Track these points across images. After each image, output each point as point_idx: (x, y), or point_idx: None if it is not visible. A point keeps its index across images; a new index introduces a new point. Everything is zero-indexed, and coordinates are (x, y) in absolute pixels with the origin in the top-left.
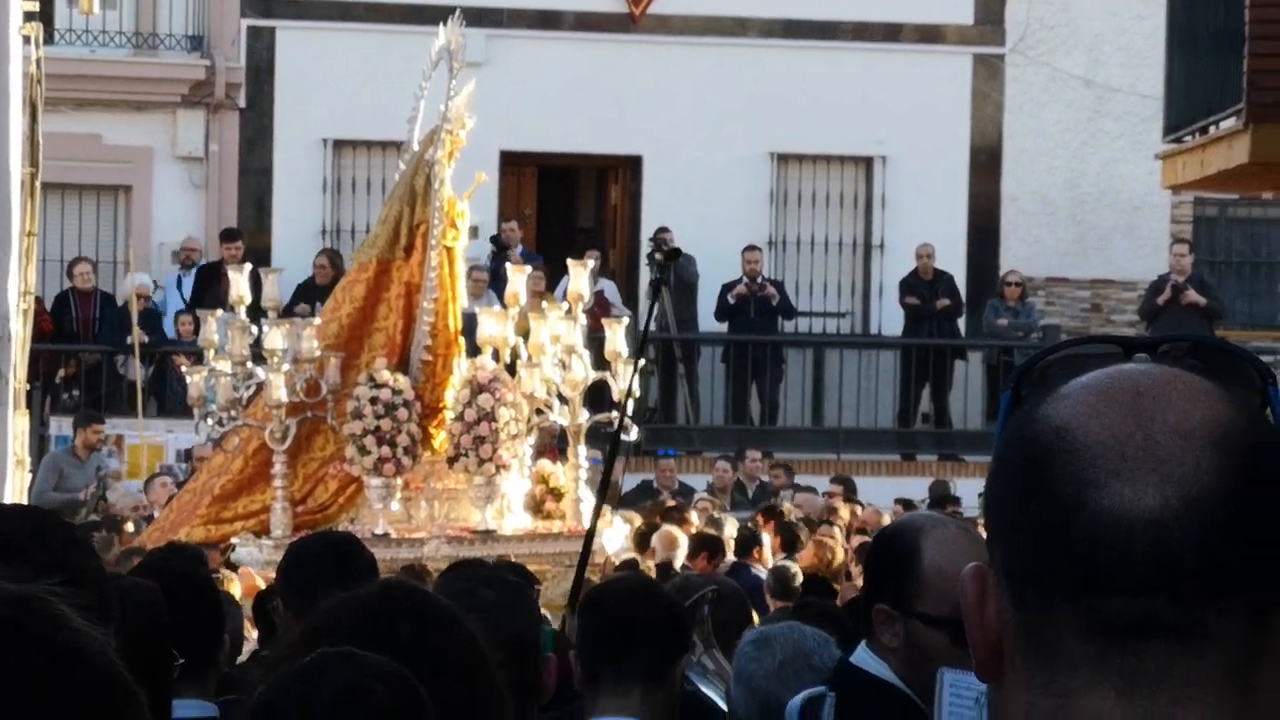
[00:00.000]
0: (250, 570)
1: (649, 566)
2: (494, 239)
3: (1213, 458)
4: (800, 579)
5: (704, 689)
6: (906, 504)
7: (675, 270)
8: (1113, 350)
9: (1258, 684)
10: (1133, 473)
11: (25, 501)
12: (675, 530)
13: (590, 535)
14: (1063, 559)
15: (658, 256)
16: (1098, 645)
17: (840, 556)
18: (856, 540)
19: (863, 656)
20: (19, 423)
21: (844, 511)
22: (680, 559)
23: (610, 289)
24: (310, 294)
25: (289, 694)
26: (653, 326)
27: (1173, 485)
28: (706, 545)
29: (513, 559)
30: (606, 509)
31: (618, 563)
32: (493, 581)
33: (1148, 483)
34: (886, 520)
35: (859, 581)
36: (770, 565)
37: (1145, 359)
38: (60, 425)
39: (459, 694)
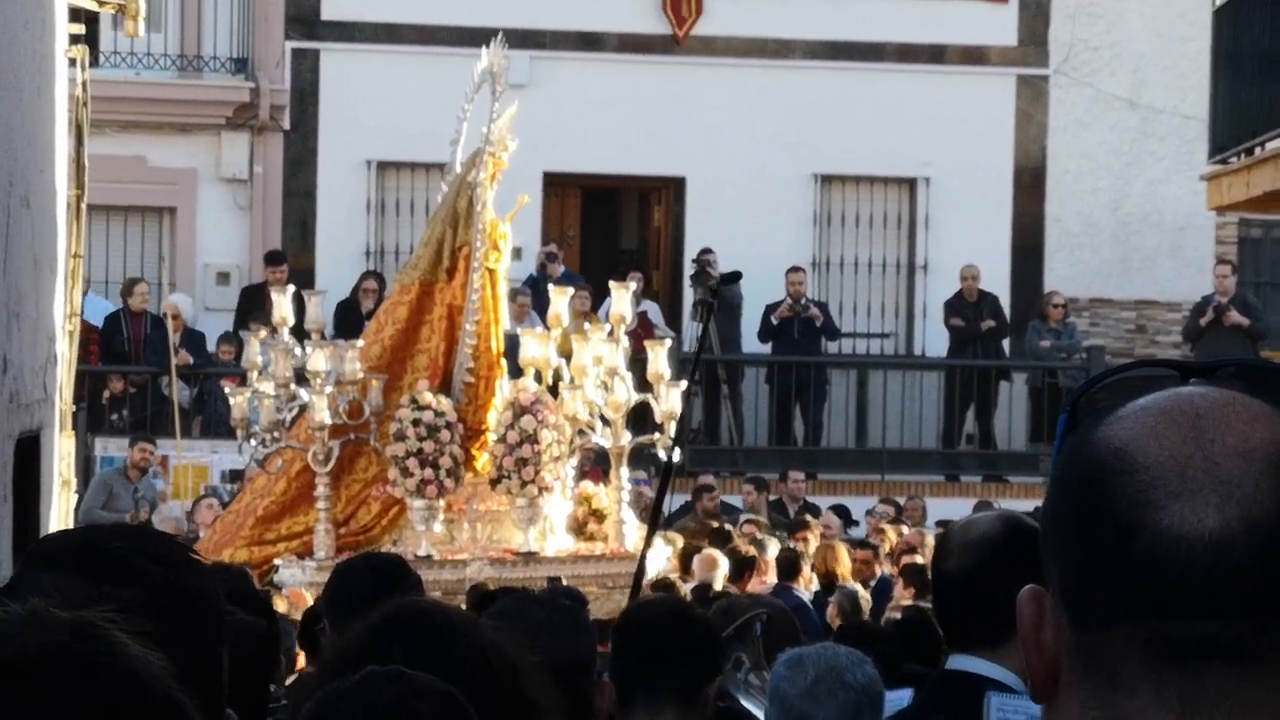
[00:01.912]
0: (301, 591)
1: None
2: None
3: (1273, 479)
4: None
5: (750, 707)
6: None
7: (719, 292)
8: (1169, 374)
9: None
10: (1193, 494)
11: (71, 522)
12: (715, 552)
13: (642, 564)
14: (1122, 580)
15: (711, 283)
16: (1156, 667)
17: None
18: (904, 561)
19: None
20: (65, 443)
21: (891, 533)
22: (720, 581)
23: (653, 310)
24: (354, 316)
25: (335, 712)
26: (695, 347)
27: (1233, 506)
28: (742, 565)
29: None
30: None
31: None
32: (545, 603)
33: (1208, 504)
34: (930, 541)
35: (904, 601)
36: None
37: (1201, 382)
38: (106, 446)
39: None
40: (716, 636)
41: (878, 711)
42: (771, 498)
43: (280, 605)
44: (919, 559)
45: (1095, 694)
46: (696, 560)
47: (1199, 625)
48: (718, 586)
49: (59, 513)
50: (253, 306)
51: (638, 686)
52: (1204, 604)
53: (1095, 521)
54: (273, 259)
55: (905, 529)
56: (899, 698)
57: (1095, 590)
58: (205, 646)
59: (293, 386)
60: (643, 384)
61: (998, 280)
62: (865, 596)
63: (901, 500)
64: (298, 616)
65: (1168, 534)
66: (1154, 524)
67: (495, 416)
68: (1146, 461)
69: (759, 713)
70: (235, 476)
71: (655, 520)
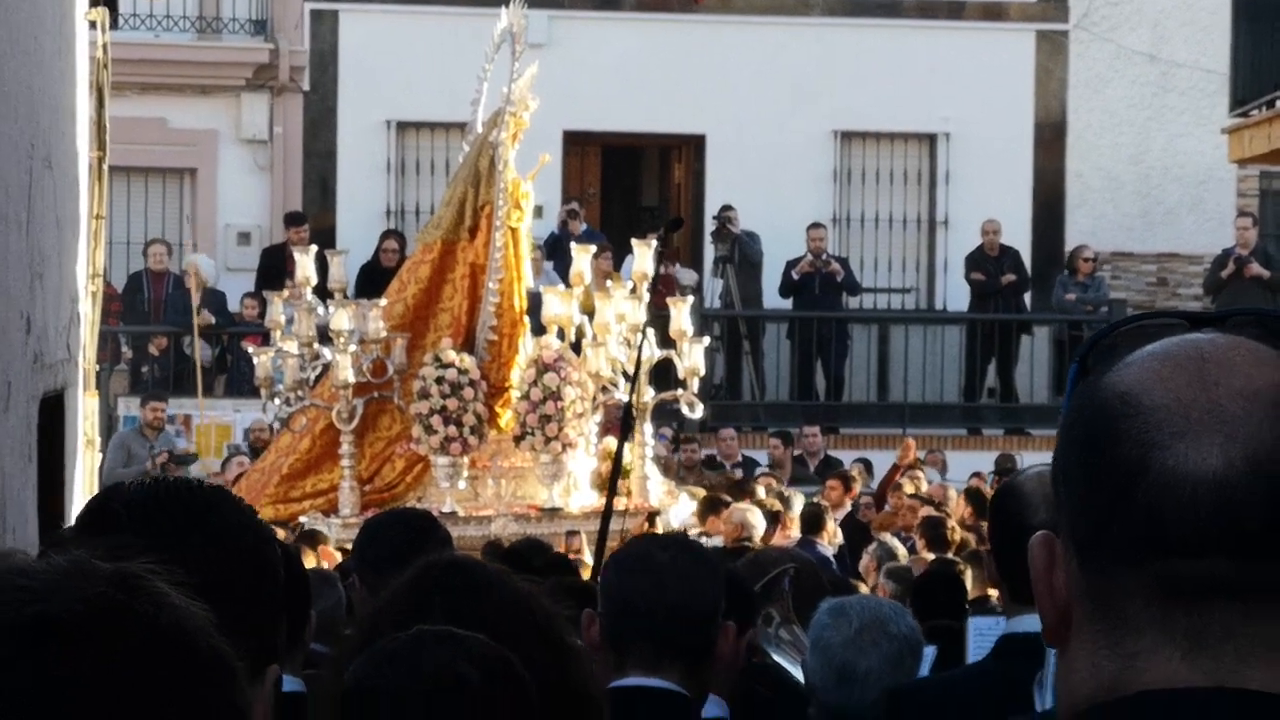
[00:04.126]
0: (330, 550)
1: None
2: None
3: (1277, 420)
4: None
5: (782, 662)
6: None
7: (740, 248)
8: (1180, 325)
9: None
10: (1197, 434)
11: (95, 482)
12: (748, 513)
13: (607, 512)
14: (1128, 521)
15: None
16: (1163, 606)
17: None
18: (924, 512)
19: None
20: (89, 403)
21: (909, 486)
22: (756, 538)
23: (676, 268)
24: (375, 276)
25: (383, 675)
26: (717, 304)
27: (1237, 446)
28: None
29: (582, 535)
30: (671, 484)
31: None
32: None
33: (1212, 444)
34: (953, 494)
35: (926, 555)
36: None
37: (1211, 330)
38: (129, 406)
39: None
40: (748, 590)
41: (918, 662)
42: (793, 453)
43: (309, 560)
44: (934, 513)
45: (1104, 634)
46: (728, 521)
47: (1204, 563)
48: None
49: (83, 472)
50: (273, 267)
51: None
52: (1208, 542)
53: (1101, 464)
54: (293, 219)
55: (925, 482)
56: (925, 653)
57: (1103, 532)
58: (260, 599)
59: (316, 345)
60: (665, 340)
61: (1019, 235)
62: (901, 550)
63: (923, 454)
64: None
65: (1172, 474)
66: (1159, 464)
67: (519, 374)
68: (1151, 404)
69: (792, 667)
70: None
71: (616, 471)
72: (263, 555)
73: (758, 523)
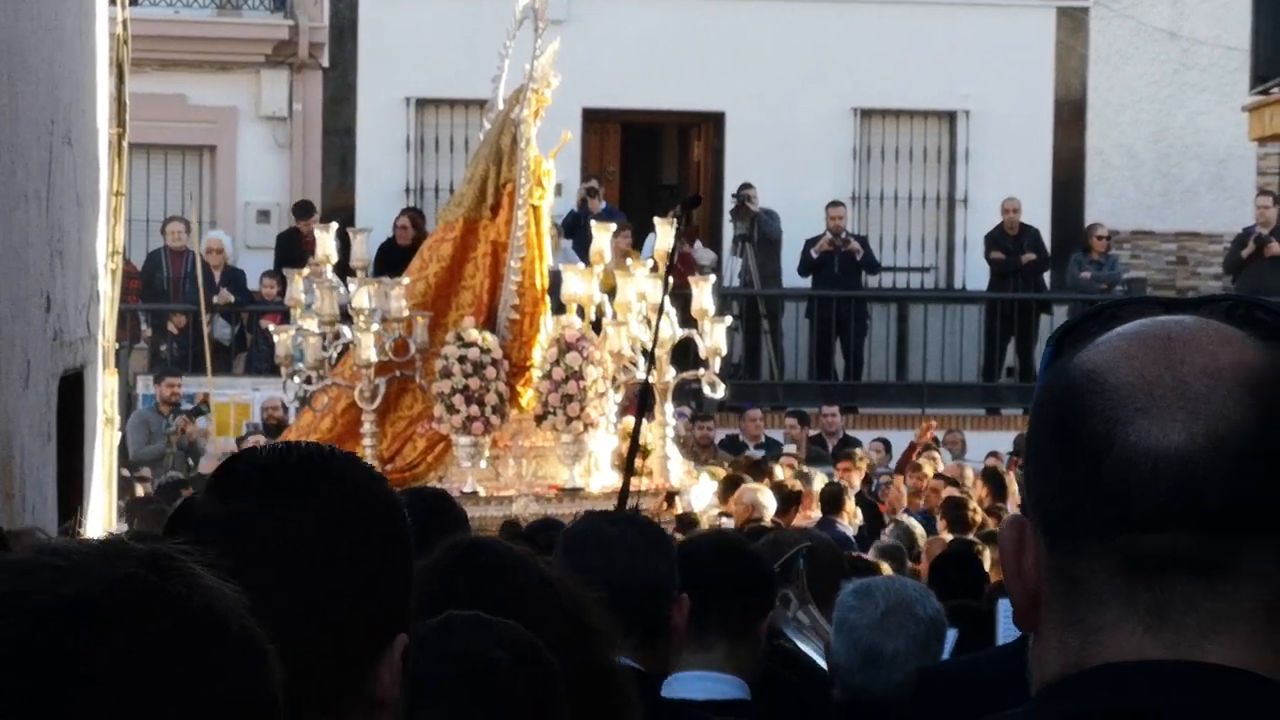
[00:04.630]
0: None
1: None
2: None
3: (1240, 398)
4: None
5: (801, 645)
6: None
7: (760, 226)
8: (1156, 310)
9: None
10: (1160, 411)
11: (115, 460)
12: (761, 497)
13: (624, 491)
14: (1092, 497)
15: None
16: (1126, 581)
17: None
18: (947, 492)
19: None
20: (108, 381)
21: (928, 467)
22: (767, 518)
23: (696, 247)
24: (391, 256)
25: (415, 661)
26: (735, 282)
27: (1200, 422)
28: (788, 499)
29: None
30: (691, 465)
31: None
32: (619, 520)
33: (1175, 420)
34: (970, 474)
35: (946, 536)
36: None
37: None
38: (147, 384)
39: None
40: (768, 571)
41: (942, 645)
42: (812, 432)
43: None
44: (956, 493)
45: (1070, 611)
46: (737, 501)
47: (1165, 538)
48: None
49: (103, 450)
50: (292, 246)
51: (688, 624)
52: (1170, 517)
53: (1067, 442)
54: (302, 211)
55: (940, 463)
56: (948, 635)
57: (1069, 510)
58: (385, 565)
59: (337, 324)
60: (686, 320)
61: (1038, 213)
62: (919, 530)
63: (941, 434)
64: None
65: (1135, 449)
66: (1122, 440)
67: (540, 353)
68: (1116, 382)
69: (810, 650)
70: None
71: (633, 451)
72: (389, 520)
73: (768, 503)
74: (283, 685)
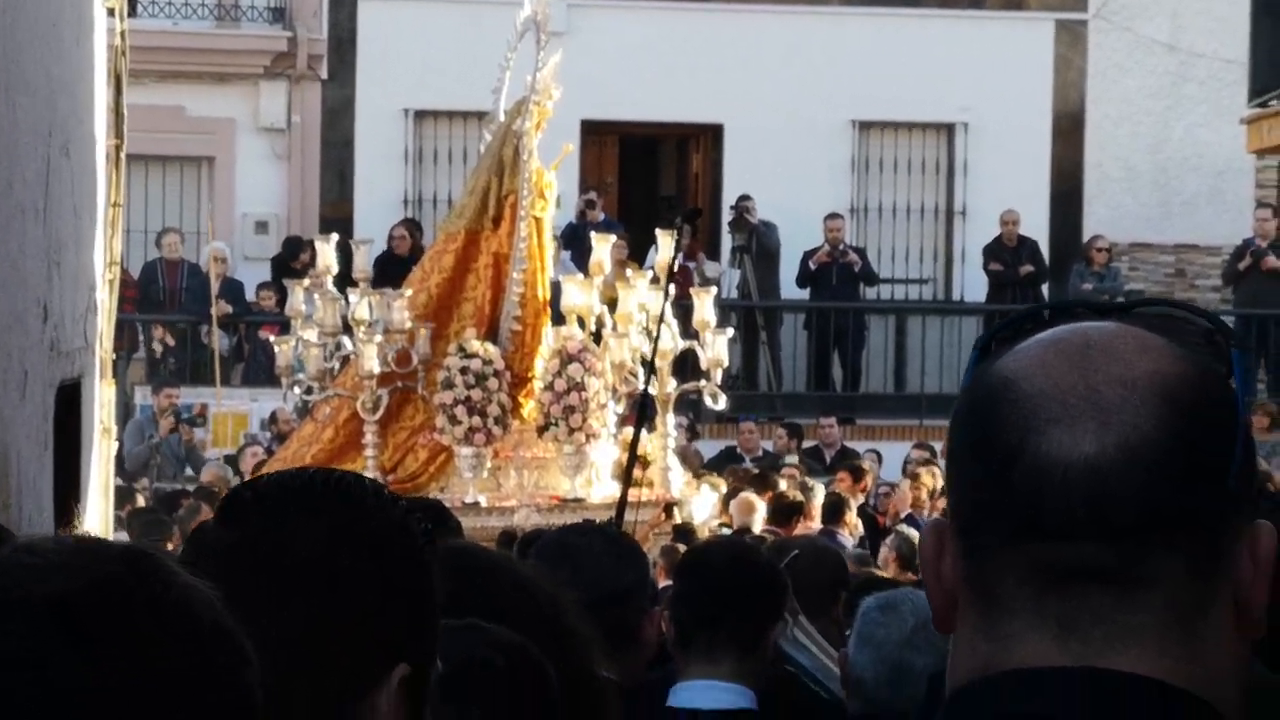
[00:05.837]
0: None
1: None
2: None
3: (1154, 407)
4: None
5: (796, 656)
6: None
7: (758, 238)
8: (1086, 314)
9: (1206, 631)
10: (1072, 420)
11: (113, 470)
12: (753, 496)
13: (622, 502)
14: (1004, 505)
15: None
16: (1036, 590)
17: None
18: (941, 503)
19: None
20: (105, 392)
21: (926, 477)
22: (758, 525)
23: (702, 260)
24: (389, 267)
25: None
26: (734, 294)
27: (1111, 432)
28: (790, 510)
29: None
30: (690, 475)
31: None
32: (585, 531)
33: (1086, 429)
34: None
35: None
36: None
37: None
38: (144, 395)
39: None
40: (780, 581)
41: None
42: (809, 444)
43: None
44: None
45: (981, 617)
46: (733, 504)
47: (1076, 548)
48: (756, 530)
49: (100, 460)
50: (290, 258)
51: (698, 632)
52: (1080, 527)
53: (981, 449)
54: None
55: (940, 476)
56: None
57: (982, 517)
58: (386, 592)
59: (339, 335)
60: (688, 331)
61: (1037, 225)
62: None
63: (938, 445)
64: None
65: (1046, 458)
66: (1034, 448)
67: (542, 364)
68: (1031, 389)
69: (807, 663)
70: (273, 419)
71: (631, 461)
72: (393, 545)
73: (759, 509)
74: (261, 683)
